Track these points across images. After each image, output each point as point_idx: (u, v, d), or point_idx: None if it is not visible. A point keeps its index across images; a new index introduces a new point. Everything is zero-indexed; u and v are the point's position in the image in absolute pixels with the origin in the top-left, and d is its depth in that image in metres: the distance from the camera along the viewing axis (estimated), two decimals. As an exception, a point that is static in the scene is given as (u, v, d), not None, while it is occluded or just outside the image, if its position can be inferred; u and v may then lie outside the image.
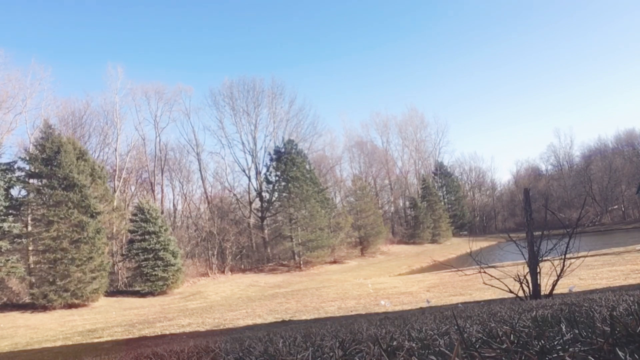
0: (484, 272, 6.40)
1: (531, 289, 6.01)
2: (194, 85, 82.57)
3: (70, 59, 65.56)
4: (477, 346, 0.78)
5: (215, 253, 36.49)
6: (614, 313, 1.05)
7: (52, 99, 36.23)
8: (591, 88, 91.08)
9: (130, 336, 10.16)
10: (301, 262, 37.66)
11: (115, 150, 39.84)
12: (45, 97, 34.74)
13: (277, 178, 41.07)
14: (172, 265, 28.90)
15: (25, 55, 70.34)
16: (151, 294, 27.71)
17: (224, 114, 47.30)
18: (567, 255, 6.05)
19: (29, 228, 25.57)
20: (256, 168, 45.59)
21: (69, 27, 66.29)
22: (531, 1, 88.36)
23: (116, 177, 38.08)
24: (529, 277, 6.08)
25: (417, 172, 68.30)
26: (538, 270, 6.11)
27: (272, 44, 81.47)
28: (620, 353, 0.66)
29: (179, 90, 49.24)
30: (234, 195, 46.77)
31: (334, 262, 39.71)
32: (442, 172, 67.05)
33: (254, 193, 45.06)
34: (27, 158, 26.03)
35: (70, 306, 23.63)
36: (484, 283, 6.45)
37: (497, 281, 6.15)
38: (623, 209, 62.04)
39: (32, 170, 25.86)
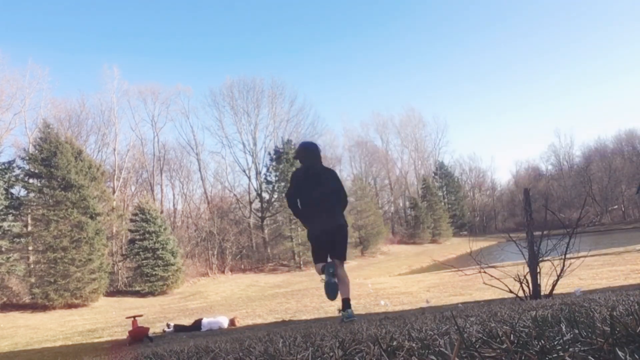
0: (484, 272, 6.39)
1: (531, 289, 6.00)
2: (193, 86, 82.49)
3: (68, 59, 65.52)
4: (477, 346, 0.78)
5: (215, 253, 36.50)
6: (614, 313, 1.05)
7: (50, 99, 36.33)
8: (592, 87, 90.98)
9: (131, 336, 10.16)
10: (301, 262, 37.68)
11: (114, 150, 39.90)
12: (43, 97, 34.79)
13: (276, 178, 41.13)
14: (172, 265, 28.92)
15: (22, 55, 70.47)
16: (151, 294, 27.73)
17: (224, 114, 47.33)
18: (567, 255, 6.04)
19: (29, 228, 25.60)
20: (256, 168, 45.59)
21: (67, 27, 66.26)
22: (531, 2, 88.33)
23: (115, 177, 38.10)
24: (529, 277, 6.07)
25: (417, 172, 68.31)
26: (538, 270, 6.11)
27: (272, 44, 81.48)
28: (620, 353, 0.66)
29: (178, 90, 49.36)
30: (234, 195, 46.78)
31: (334, 262, 39.66)
32: (442, 172, 67.01)
33: (254, 193, 45.07)
34: (27, 158, 26.05)
35: (70, 306, 23.67)
36: (484, 283, 6.44)
37: (497, 281, 6.13)
38: (623, 209, 62.04)
39: (32, 170, 25.89)
